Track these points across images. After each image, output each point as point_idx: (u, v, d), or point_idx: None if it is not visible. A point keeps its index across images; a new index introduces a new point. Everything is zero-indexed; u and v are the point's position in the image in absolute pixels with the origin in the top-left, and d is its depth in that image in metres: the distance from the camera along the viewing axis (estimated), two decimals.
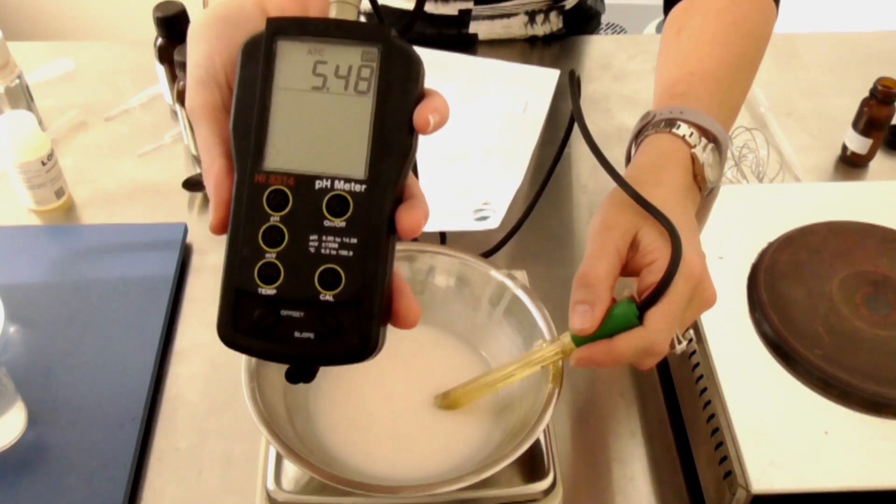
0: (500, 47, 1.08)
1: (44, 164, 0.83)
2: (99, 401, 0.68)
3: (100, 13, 2.21)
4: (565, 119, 1.00)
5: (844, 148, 0.93)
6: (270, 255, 0.40)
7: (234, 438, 0.67)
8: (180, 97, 0.87)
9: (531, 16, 1.07)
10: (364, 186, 0.40)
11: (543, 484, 0.56)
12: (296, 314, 0.40)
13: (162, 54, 0.91)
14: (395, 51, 0.40)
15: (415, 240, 0.71)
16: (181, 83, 0.86)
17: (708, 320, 0.63)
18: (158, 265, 0.79)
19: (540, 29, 1.09)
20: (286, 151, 0.41)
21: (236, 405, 0.69)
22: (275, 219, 0.40)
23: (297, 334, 0.40)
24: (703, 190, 0.60)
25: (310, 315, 0.40)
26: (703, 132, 0.60)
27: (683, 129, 0.59)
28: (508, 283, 0.63)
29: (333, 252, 0.40)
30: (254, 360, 0.57)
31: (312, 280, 0.40)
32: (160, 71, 0.94)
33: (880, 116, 0.89)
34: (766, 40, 0.72)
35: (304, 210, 0.40)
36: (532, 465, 0.56)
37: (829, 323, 0.63)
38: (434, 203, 0.83)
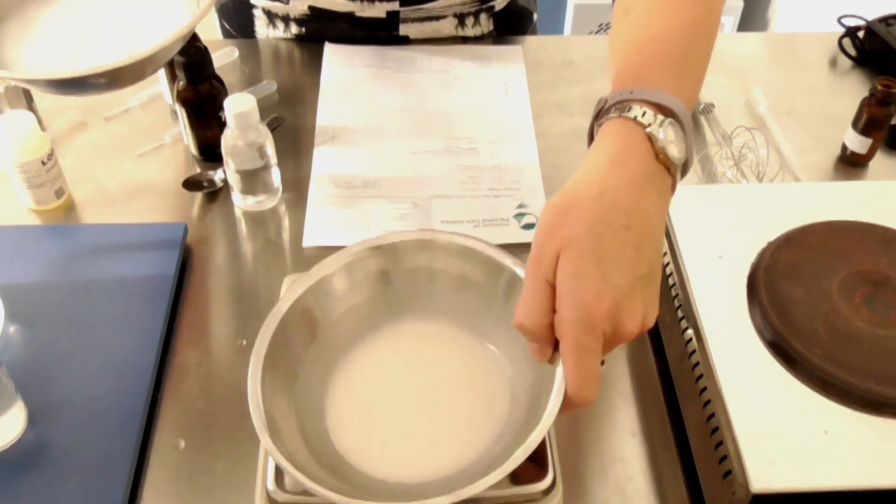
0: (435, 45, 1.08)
1: (44, 163, 0.83)
2: (99, 401, 0.68)
3: None
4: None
5: (844, 148, 0.93)
6: None
7: (235, 438, 0.67)
8: (180, 97, 0.87)
9: (460, 18, 1.06)
10: None
11: (543, 484, 0.55)
12: None
13: None
14: None
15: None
16: (181, 83, 0.86)
17: (708, 320, 0.64)
18: (158, 265, 0.79)
19: (470, 31, 1.08)
20: None
21: (236, 405, 0.69)
22: None
23: None
24: (672, 170, 0.55)
25: None
26: (658, 108, 0.55)
27: (635, 111, 0.55)
28: (520, 273, 0.61)
29: None
30: (258, 363, 0.57)
31: None
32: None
33: (880, 116, 0.89)
34: (720, 5, 0.67)
35: None
36: (532, 465, 0.56)
37: (829, 322, 0.63)
38: (469, 211, 0.82)
